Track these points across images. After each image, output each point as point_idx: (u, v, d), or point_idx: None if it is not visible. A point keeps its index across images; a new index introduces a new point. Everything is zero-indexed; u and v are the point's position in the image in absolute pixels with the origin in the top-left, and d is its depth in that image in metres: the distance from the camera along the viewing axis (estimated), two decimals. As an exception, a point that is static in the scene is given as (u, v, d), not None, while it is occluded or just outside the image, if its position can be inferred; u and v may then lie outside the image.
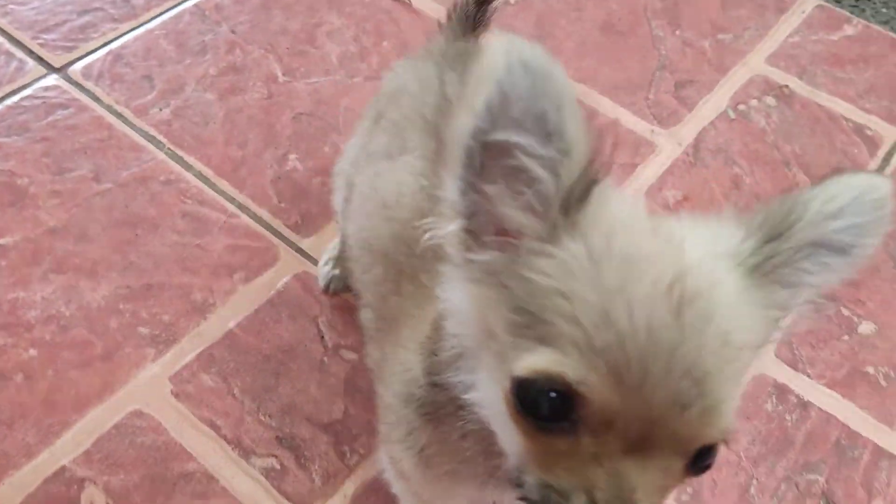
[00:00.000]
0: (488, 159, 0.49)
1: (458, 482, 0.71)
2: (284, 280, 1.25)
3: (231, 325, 1.19)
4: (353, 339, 1.19)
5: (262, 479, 1.07)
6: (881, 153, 1.50)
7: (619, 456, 0.48)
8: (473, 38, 1.04)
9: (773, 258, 0.52)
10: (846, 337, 1.26)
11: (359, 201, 0.92)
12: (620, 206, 0.52)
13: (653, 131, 1.50)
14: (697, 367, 0.47)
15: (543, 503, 0.52)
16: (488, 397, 0.54)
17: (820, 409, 1.18)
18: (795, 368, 1.22)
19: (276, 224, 1.32)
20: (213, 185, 1.35)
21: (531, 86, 0.46)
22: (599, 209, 0.50)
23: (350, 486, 1.07)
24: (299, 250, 1.29)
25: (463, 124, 0.48)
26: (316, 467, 1.08)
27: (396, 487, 0.87)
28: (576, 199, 0.49)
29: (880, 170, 1.48)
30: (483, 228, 0.52)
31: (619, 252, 0.49)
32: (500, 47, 0.46)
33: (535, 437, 0.51)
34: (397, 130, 0.90)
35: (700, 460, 0.51)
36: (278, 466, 1.08)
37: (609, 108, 1.52)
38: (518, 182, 0.49)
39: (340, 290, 1.22)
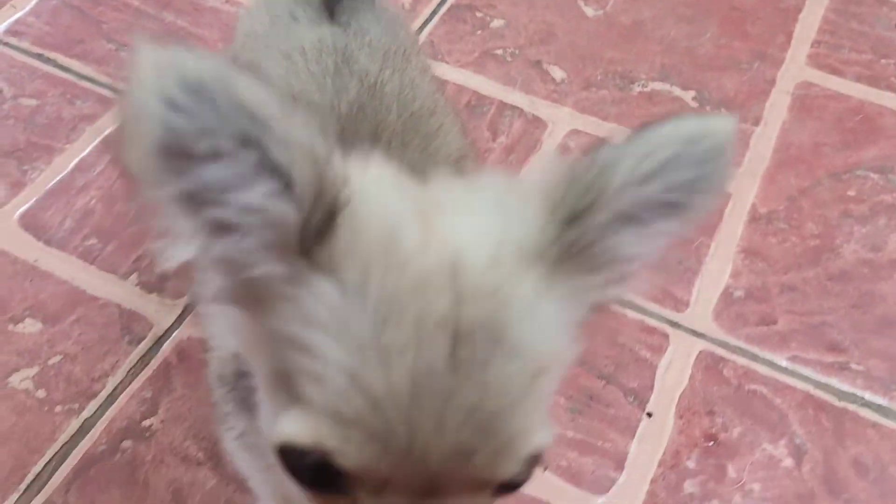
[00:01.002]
0: (193, 214, 0.38)
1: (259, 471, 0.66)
2: None
3: None
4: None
5: None
6: None
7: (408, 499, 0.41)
8: None
9: (578, 242, 0.42)
10: (479, 32, 1.52)
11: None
12: (385, 221, 0.41)
13: None
14: (481, 411, 0.39)
15: None
16: (268, 442, 0.45)
17: (454, 83, 1.43)
18: (437, 59, 1.46)
19: None
20: None
21: (211, 114, 0.34)
22: (357, 235, 0.40)
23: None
24: None
25: (143, 183, 0.37)
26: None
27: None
28: (314, 233, 0.39)
29: None
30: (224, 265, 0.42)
31: (375, 289, 0.39)
32: (147, 70, 0.34)
33: (312, 496, 0.44)
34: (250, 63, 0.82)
35: (506, 489, 0.44)
36: None
37: None
38: (238, 234, 0.39)
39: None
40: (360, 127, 0.72)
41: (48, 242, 1.21)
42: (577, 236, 0.42)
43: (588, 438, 1.07)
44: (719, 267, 1.23)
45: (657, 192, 0.42)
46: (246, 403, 0.59)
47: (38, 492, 1.00)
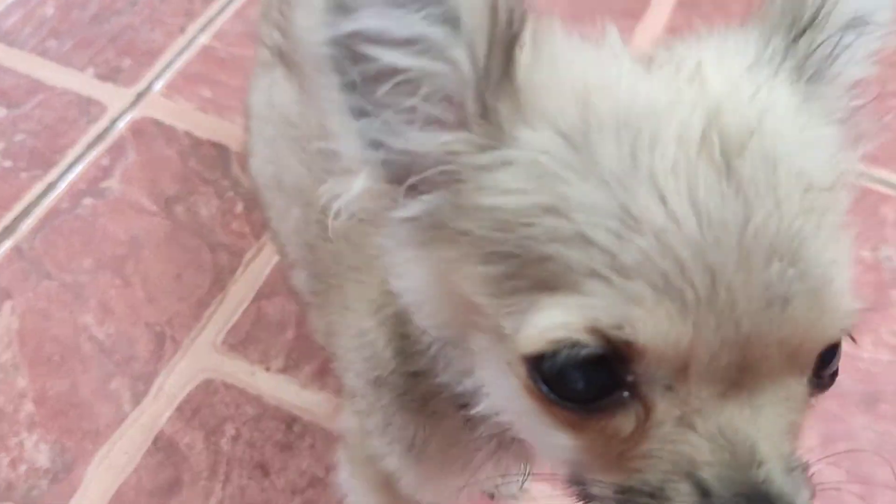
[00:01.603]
0: (360, 72, 0.36)
1: (454, 473, 0.56)
2: None
3: None
4: None
5: None
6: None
7: (716, 406, 0.33)
8: None
9: (813, 54, 0.39)
10: None
11: (258, 126, 0.74)
12: (577, 55, 0.37)
13: None
14: (784, 236, 0.32)
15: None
16: (500, 395, 0.40)
17: None
18: None
19: None
20: None
21: None
22: (546, 73, 0.36)
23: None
24: None
25: (307, 32, 0.35)
26: None
27: (359, 496, 0.71)
28: (497, 78, 0.35)
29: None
30: (401, 171, 0.38)
31: (607, 117, 0.34)
32: None
33: (585, 427, 0.35)
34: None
35: (824, 369, 0.36)
36: None
37: None
38: (409, 88, 0.35)
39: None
40: None
41: (10, 44, 1.30)
42: (807, 47, 0.39)
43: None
44: None
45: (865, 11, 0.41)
46: (425, 407, 0.50)
47: (7, 238, 1.10)
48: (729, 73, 0.37)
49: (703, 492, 0.32)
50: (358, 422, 0.60)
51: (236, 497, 0.92)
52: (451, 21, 0.34)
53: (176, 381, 0.99)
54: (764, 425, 0.33)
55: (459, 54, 0.34)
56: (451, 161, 0.36)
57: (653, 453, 0.33)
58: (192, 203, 1.14)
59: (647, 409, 0.33)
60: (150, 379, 0.99)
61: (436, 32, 0.34)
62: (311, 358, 1.01)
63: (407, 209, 0.38)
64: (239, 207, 1.14)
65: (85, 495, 0.91)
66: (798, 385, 0.34)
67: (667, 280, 0.31)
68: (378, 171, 0.38)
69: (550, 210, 0.33)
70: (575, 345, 0.32)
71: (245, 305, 1.05)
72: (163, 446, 0.94)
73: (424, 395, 0.51)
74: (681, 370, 0.32)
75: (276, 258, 1.04)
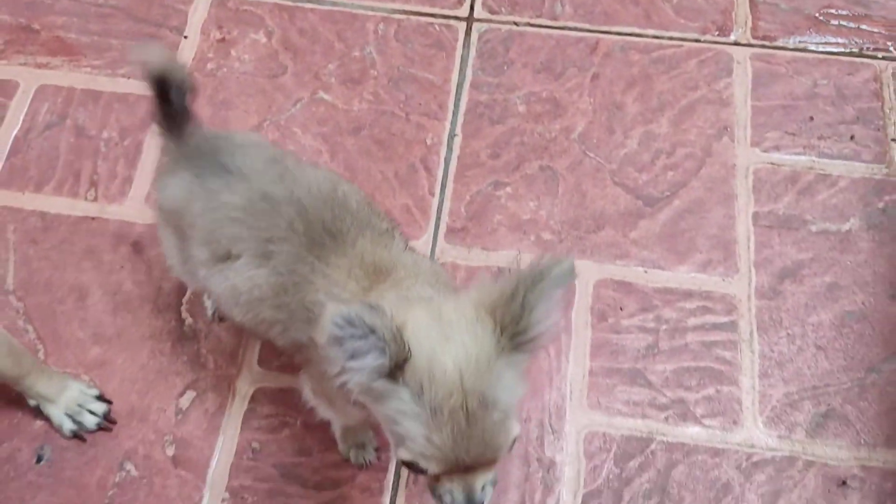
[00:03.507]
0: (346, 359, 0.77)
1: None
2: None
3: None
4: None
5: None
6: None
7: (461, 476, 0.84)
8: (191, 135, 1.09)
9: (517, 339, 0.80)
10: None
11: (231, 299, 1.06)
12: (428, 359, 0.78)
13: None
14: (486, 435, 0.80)
15: (431, 491, 0.87)
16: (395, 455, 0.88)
17: None
18: None
19: None
20: None
21: (360, 330, 0.74)
22: (416, 365, 0.78)
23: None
24: None
25: (328, 353, 0.76)
26: None
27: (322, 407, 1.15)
28: (397, 367, 0.78)
29: None
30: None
31: (427, 395, 0.78)
32: (330, 315, 0.73)
33: (415, 472, 0.86)
34: (210, 242, 1.04)
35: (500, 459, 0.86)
36: None
37: None
38: (366, 364, 0.77)
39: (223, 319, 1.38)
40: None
41: None
42: (517, 342, 0.80)
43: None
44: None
45: (547, 305, 0.80)
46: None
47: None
48: (474, 368, 0.79)
49: (451, 499, 0.85)
50: (316, 383, 1.08)
51: None
52: (385, 346, 0.76)
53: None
54: (477, 480, 0.84)
55: (384, 360, 0.77)
56: (377, 390, 0.81)
57: (439, 485, 0.86)
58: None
59: (438, 476, 0.84)
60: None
61: (380, 350, 0.76)
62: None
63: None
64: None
65: None
66: (490, 467, 0.85)
67: (443, 454, 0.80)
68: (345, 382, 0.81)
69: (401, 424, 0.80)
70: (409, 462, 0.82)
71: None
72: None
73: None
74: (445, 470, 0.83)
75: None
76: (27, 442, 1.27)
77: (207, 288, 1.11)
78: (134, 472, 1.25)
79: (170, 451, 1.27)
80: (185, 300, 1.39)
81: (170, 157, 1.10)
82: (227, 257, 1.02)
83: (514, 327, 0.80)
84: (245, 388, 1.33)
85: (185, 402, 1.31)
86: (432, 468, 0.82)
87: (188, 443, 1.28)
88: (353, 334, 0.74)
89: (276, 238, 0.99)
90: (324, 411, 1.16)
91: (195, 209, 1.05)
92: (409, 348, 0.77)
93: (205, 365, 1.34)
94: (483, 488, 0.86)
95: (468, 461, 0.81)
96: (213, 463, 1.27)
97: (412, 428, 0.79)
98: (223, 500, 1.24)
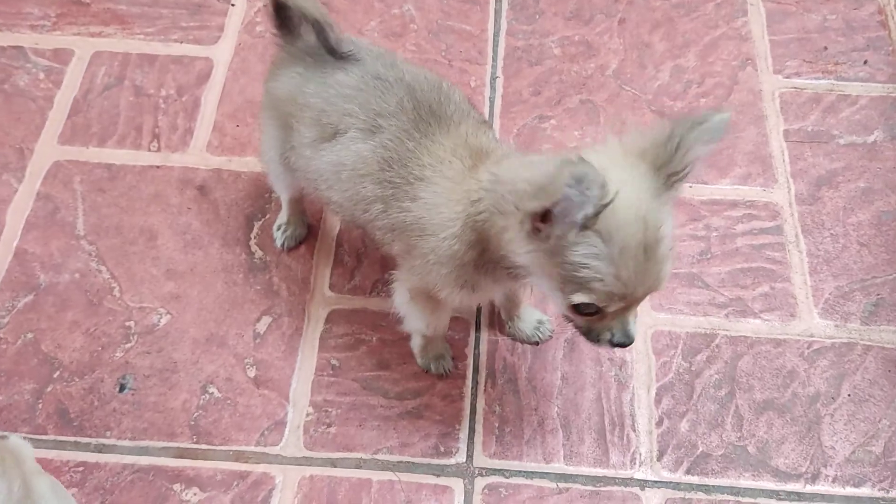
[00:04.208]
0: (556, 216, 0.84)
1: (484, 296, 1.16)
2: None
3: None
4: None
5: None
6: None
7: (621, 314, 0.93)
8: (300, 37, 1.15)
9: (672, 178, 0.87)
10: None
11: (333, 176, 1.10)
12: (615, 202, 0.82)
13: None
14: (658, 268, 0.87)
15: (589, 336, 0.98)
16: (553, 296, 0.94)
17: None
18: None
19: None
20: None
21: (580, 189, 0.79)
22: (608, 215, 0.82)
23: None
24: None
25: (551, 206, 0.83)
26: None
27: (415, 315, 1.18)
28: (593, 216, 0.82)
29: None
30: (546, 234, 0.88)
31: (617, 235, 0.83)
32: (565, 170, 0.78)
33: (584, 320, 0.96)
34: (320, 120, 1.09)
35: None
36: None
37: None
38: (570, 217, 0.83)
39: (293, 247, 1.43)
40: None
41: None
42: (670, 178, 0.87)
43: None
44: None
45: (703, 142, 0.86)
46: (478, 266, 1.02)
47: None
48: (645, 209, 0.85)
49: (611, 335, 0.96)
50: (418, 277, 1.08)
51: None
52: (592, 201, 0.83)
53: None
54: (631, 318, 0.96)
55: (591, 209, 0.83)
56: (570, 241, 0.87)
57: (600, 326, 0.96)
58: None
59: (603, 316, 0.93)
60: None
61: (589, 204, 0.82)
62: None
63: (538, 244, 0.89)
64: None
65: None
66: (636, 309, 0.96)
67: (621, 292, 0.88)
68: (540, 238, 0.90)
69: (589, 267, 0.86)
70: (585, 304, 0.89)
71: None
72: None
73: (486, 264, 1.01)
74: (616, 310, 0.92)
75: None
76: (108, 373, 1.29)
77: (307, 171, 1.14)
78: (217, 394, 1.28)
79: (251, 373, 1.30)
80: (253, 234, 1.43)
81: (286, 52, 1.15)
82: (334, 135, 1.07)
83: (669, 167, 0.86)
84: (319, 310, 1.36)
85: (261, 326, 1.34)
86: (612, 305, 0.89)
87: (268, 364, 1.31)
88: (580, 191, 0.78)
89: (386, 113, 1.04)
90: (414, 319, 1.19)
91: (308, 90, 1.10)
92: (612, 197, 0.80)
93: (278, 292, 1.37)
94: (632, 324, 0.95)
95: (639, 295, 0.89)
96: (294, 381, 1.29)
97: (601, 268, 0.85)
98: (308, 415, 1.26)
